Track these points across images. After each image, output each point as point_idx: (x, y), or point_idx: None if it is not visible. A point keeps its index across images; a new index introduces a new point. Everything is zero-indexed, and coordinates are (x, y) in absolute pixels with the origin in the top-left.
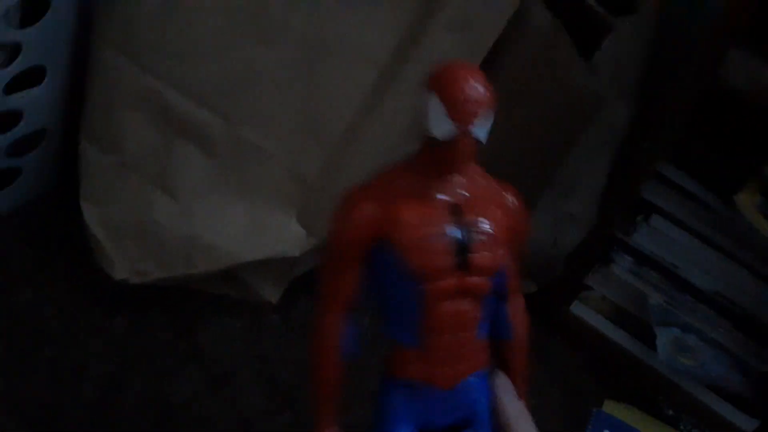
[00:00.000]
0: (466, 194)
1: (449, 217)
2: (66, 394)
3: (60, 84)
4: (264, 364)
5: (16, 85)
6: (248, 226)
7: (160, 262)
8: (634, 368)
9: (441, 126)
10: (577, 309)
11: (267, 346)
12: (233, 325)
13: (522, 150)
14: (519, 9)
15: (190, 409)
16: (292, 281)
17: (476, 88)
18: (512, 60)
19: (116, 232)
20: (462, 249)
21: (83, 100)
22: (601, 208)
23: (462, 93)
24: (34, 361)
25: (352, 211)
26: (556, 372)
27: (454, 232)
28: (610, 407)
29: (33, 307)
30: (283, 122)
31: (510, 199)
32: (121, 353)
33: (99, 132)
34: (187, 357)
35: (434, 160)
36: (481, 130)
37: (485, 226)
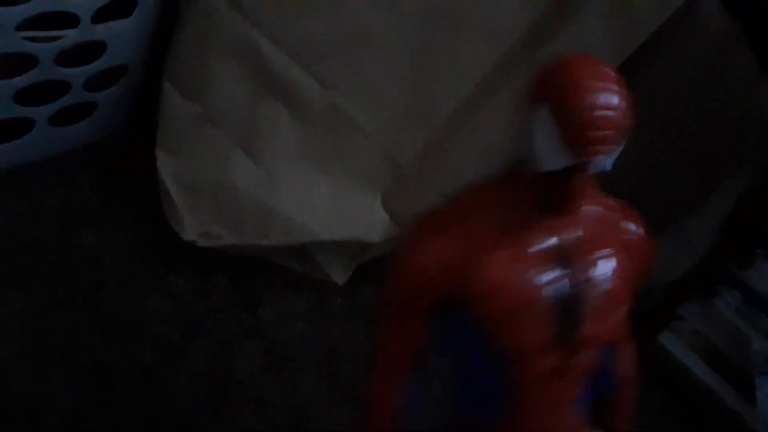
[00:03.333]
0: (579, 234)
1: (553, 268)
2: (123, 355)
3: (149, 18)
4: (327, 352)
5: (104, 14)
6: (330, 204)
7: (233, 229)
8: (726, 417)
9: (554, 156)
10: (667, 340)
11: (331, 333)
12: (297, 303)
13: (671, 167)
14: (689, 4)
15: (248, 388)
16: (360, 264)
17: (608, 103)
18: (673, 62)
19: (190, 188)
20: (569, 317)
21: (171, 40)
22: (719, 237)
23: (588, 113)
24: (91, 315)
25: (421, 251)
26: (640, 406)
27: (560, 290)
28: None
29: (94, 253)
30: (385, 96)
31: (634, 230)
32: (181, 318)
33: (184, 76)
34: (248, 331)
35: (539, 193)
36: (608, 160)
37: (603, 279)
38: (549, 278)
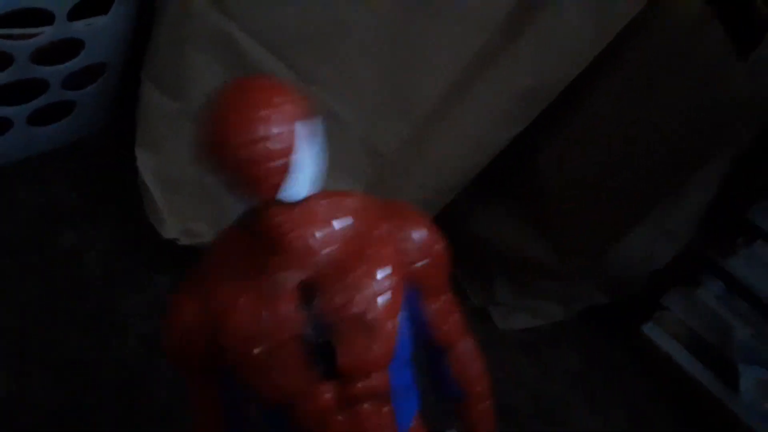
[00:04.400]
0: (327, 257)
1: (299, 306)
2: (104, 352)
3: (127, 15)
4: None
5: (80, 12)
6: None
7: (214, 225)
8: (709, 405)
9: (238, 200)
10: (651, 330)
11: None
12: None
13: (647, 154)
14: None
15: None
16: None
17: (258, 134)
18: (648, 47)
19: (170, 186)
20: (324, 351)
21: (149, 36)
22: (701, 225)
23: (238, 153)
24: (72, 313)
25: (170, 317)
26: (623, 394)
27: (308, 329)
28: None
29: (75, 251)
30: (365, 88)
31: (406, 230)
32: (163, 315)
33: (163, 73)
34: None
35: (259, 235)
36: (294, 185)
37: (358, 301)
38: (293, 316)
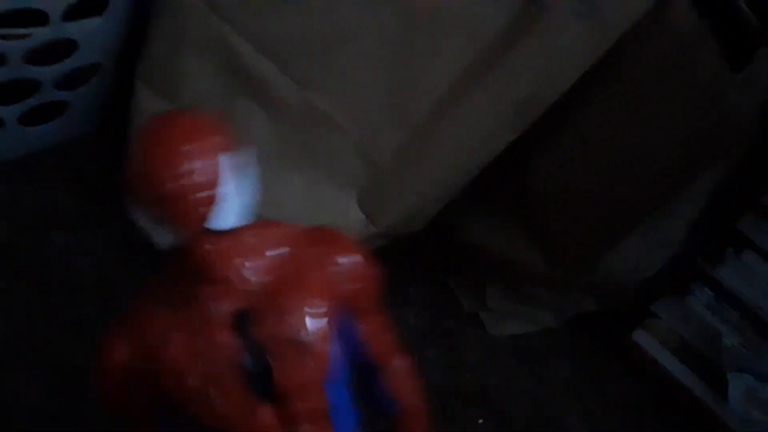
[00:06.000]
0: (260, 285)
1: (234, 335)
2: (95, 356)
3: (121, 17)
4: None
5: (75, 12)
6: (305, 203)
7: None
8: (698, 412)
9: (163, 235)
10: (640, 337)
11: None
12: None
13: (640, 165)
14: (657, 3)
15: None
16: None
17: (182, 168)
18: (642, 60)
19: None
20: (260, 376)
21: (144, 38)
22: (691, 234)
23: (169, 188)
24: (64, 316)
25: (102, 360)
26: (612, 400)
27: (244, 356)
28: None
29: (67, 254)
30: (362, 95)
31: (335, 255)
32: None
33: (157, 75)
34: None
35: (191, 266)
36: (221, 216)
37: (289, 324)
38: (228, 344)
